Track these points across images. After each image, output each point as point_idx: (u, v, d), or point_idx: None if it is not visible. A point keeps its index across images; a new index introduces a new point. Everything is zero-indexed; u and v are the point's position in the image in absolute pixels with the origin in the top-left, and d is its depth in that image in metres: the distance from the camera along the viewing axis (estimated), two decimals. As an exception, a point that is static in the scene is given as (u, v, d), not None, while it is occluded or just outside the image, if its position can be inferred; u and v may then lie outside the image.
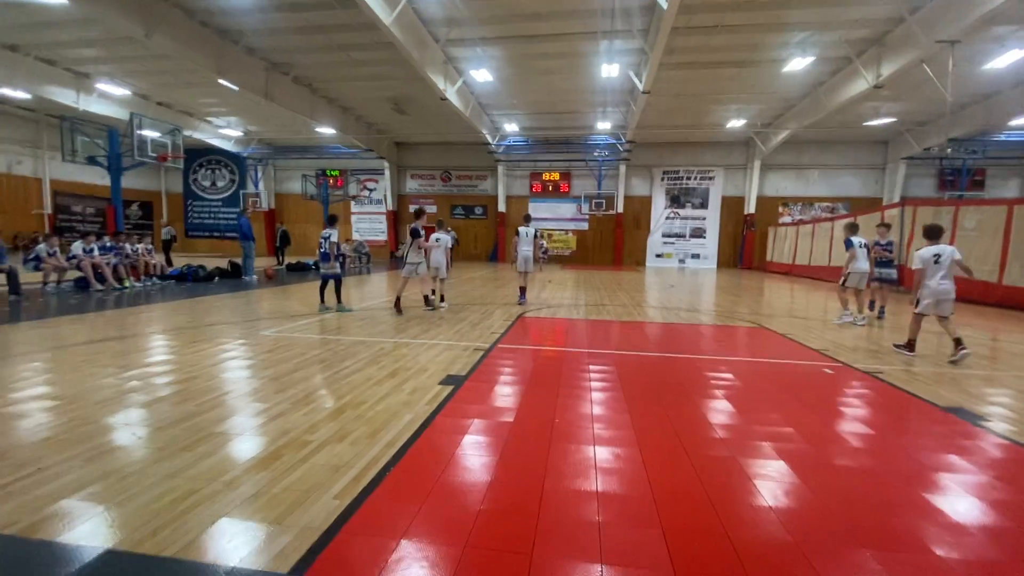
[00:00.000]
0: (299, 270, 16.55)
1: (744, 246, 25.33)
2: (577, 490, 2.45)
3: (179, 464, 2.62)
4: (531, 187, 27.07)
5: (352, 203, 28.21)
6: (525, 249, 9.33)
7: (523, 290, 9.64)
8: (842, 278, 7.98)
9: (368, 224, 28.57)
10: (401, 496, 2.35)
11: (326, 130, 21.79)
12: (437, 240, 8.61)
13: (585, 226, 26.80)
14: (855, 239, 7.94)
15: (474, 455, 2.83)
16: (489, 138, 23.77)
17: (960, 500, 2.44)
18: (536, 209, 27.17)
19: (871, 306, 8.88)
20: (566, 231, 27.13)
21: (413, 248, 7.87)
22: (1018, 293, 10.39)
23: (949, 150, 20.91)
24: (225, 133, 25.35)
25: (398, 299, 8.00)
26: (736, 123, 21.42)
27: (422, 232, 7.90)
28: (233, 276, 13.38)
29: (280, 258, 19.13)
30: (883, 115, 19.40)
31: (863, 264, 7.85)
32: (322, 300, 8.04)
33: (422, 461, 2.73)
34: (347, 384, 4.13)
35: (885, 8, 11.76)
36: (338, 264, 8.06)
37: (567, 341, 6.25)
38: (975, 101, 18.10)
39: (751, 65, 15.27)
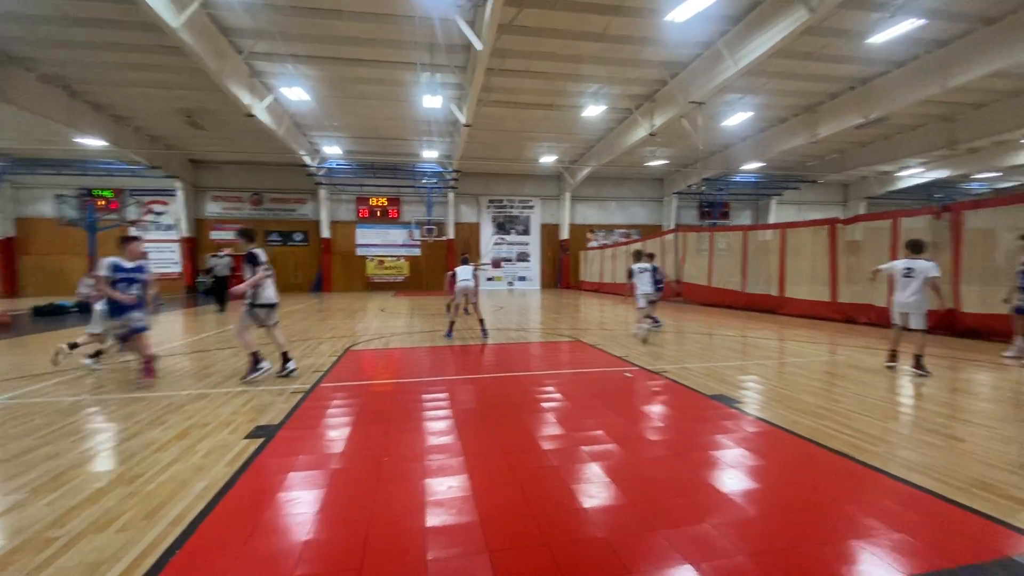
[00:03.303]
0: (51, 314, 13.10)
1: (562, 268, 28.10)
2: (404, 531, 2.34)
3: None
4: (358, 212, 26.10)
5: (131, 229, 23.56)
6: (464, 282, 8.63)
7: (452, 324, 9.02)
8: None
9: (155, 254, 24.03)
10: (188, 584, 1.95)
11: (93, 142, 17.92)
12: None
13: (418, 252, 26.74)
14: (635, 267, 8.70)
15: (286, 516, 2.51)
16: (308, 160, 22.30)
17: (724, 472, 2.98)
18: (365, 235, 26.30)
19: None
20: (398, 257, 26.70)
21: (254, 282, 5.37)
22: (756, 298, 13.44)
23: (703, 187, 26.52)
24: (-73, 137, 19.07)
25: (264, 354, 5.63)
26: (548, 159, 23.85)
27: (261, 259, 5.41)
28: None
29: None
30: (658, 157, 23.61)
31: (645, 288, 8.56)
32: None
33: (218, 536, 2.31)
34: (117, 455, 3.33)
35: (653, 72, 14.43)
36: None
37: (399, 372, 6.06)
38: (719, 150, 23.21)
39: (557, 108, 17.22)
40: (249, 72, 13.93)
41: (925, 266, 5.47)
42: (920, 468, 2.98)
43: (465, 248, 26.97)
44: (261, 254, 5.38)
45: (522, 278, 28.14)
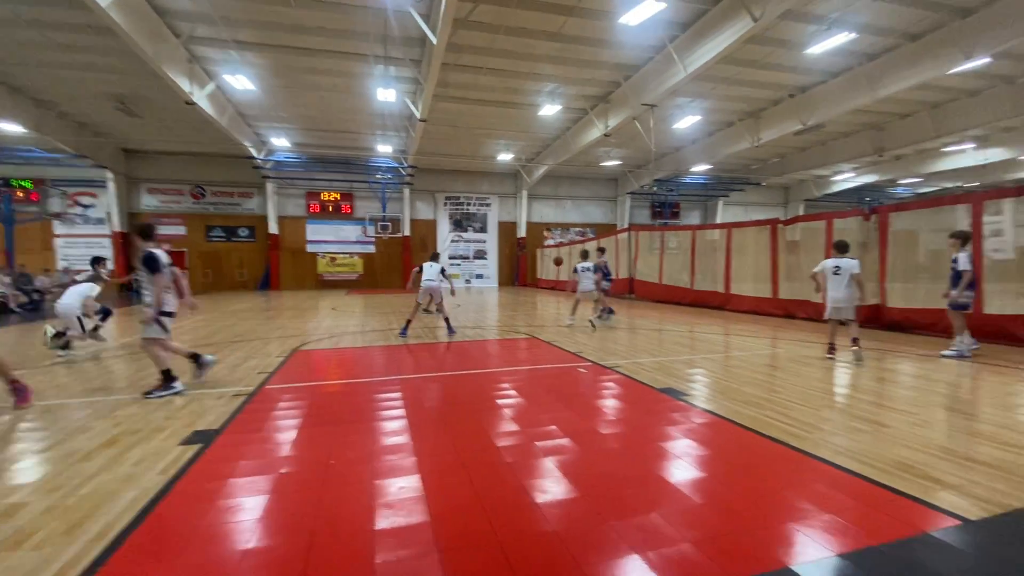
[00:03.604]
0: (-38, 315, 11.94)
1: (519, 266, 28.23)
2: (351, 535, 2.26)
3: None
4: (308, 207, 25.20)
5: (55, 223, 21.80)
6: (427, 281, 9.02)
7: (408, 323, 8.90)
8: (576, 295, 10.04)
9: (83, 250, 22.26)
10: (111, 603, 1.81)
11: (9, 127, 16.40)
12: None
13: (372, 249, 26.13)
14: (579, 266, 9.79)
15: (224, 524, 2.38)
16: (254, 152, 21.33)
17: (672, 463, 3.07)
18: (318, 231, 25.47)
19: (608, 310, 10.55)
20: (351, 254, 25.99)
21: (158, 289, 4.72)
22: (704, 295, 13.96)
23: (655, 188, 27.32)
24: None
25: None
26: (505, 156, 23.85)
27: (163, 260, 4.75)
28: None
29: None
30: (613, 158, 24.09)
31: (585, 284, 9.74)
32: None
33: (148, 549, 2.16)
34: (32, 468, 3.06)
35: (607, 73, 14.69)
36: None
37: (351, 372, 5.89)
38: (670, 152, 23.93)
39: (514, 106, 17.24)
40: (188, 57, 13.15)
41: (850, 264, 6.09)
42: (849, 453, 3.18)
43: (423, 244, 26.65)
44: (162, 256, 4.73)
45: (479, 275, 28.08)
